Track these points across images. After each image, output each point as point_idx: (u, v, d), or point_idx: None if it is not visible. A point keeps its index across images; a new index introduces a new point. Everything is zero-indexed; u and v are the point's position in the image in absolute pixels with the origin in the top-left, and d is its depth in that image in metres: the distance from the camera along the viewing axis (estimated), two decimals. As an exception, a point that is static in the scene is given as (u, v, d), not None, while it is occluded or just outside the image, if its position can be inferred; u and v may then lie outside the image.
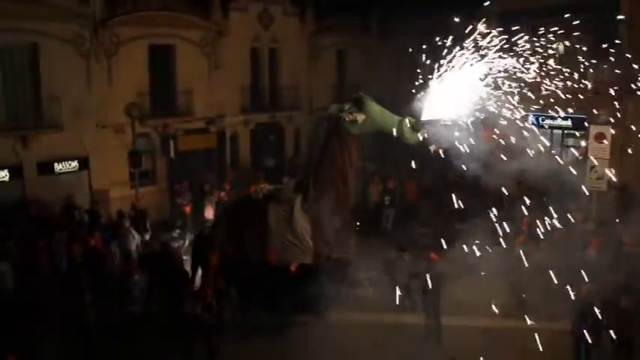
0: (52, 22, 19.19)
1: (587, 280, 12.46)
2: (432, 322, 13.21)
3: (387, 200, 20.86)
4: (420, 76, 13.01)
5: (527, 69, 12.50)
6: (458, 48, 11.98)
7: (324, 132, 15.12)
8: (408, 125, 13.32)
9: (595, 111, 19.56)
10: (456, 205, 13.84)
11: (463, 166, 13.47)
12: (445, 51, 12.19)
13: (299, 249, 14.05)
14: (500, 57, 11.96)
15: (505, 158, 14.07)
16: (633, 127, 18.40)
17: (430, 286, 12.94)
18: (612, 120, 19.07)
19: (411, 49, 14.68)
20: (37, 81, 19.26)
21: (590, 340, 11.53)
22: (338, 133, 14.10)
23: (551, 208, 14.42)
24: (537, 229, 14.31)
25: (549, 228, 14.26)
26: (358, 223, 16.09)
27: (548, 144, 17.71)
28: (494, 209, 14.08)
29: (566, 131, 24.94)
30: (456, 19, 14.32)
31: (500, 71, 12.18)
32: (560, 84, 15.07)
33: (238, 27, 24.99)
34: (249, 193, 15.38)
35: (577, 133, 23.99)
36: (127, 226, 16.73)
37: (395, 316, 13.86)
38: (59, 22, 19.41)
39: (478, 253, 13.52)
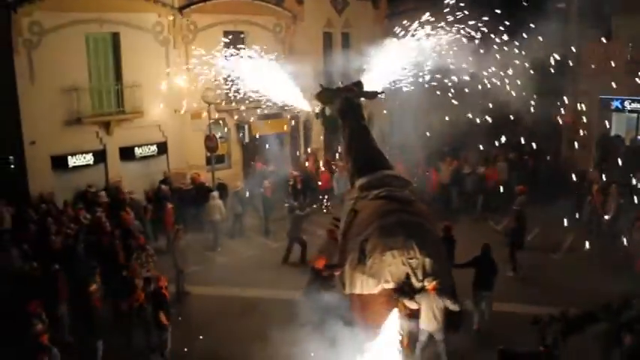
0: (133, 11, 19.91)
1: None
2: None
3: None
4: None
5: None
6: None
7: (342, 115, 14.44)
8: None
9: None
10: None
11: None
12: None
13: None
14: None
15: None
16: None
17: None
18: None
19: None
20: (119, 69, 20.05)
21: None
22: (357, 113, 14.26)
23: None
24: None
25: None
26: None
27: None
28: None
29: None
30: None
31: None
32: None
33: (312, 12, 25.10)
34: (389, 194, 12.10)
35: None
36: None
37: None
38: (139, 12, 20.10)
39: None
